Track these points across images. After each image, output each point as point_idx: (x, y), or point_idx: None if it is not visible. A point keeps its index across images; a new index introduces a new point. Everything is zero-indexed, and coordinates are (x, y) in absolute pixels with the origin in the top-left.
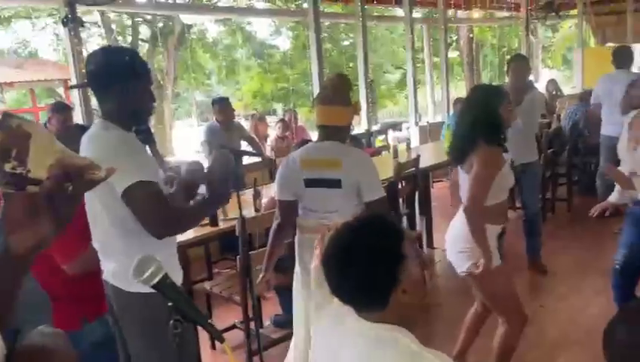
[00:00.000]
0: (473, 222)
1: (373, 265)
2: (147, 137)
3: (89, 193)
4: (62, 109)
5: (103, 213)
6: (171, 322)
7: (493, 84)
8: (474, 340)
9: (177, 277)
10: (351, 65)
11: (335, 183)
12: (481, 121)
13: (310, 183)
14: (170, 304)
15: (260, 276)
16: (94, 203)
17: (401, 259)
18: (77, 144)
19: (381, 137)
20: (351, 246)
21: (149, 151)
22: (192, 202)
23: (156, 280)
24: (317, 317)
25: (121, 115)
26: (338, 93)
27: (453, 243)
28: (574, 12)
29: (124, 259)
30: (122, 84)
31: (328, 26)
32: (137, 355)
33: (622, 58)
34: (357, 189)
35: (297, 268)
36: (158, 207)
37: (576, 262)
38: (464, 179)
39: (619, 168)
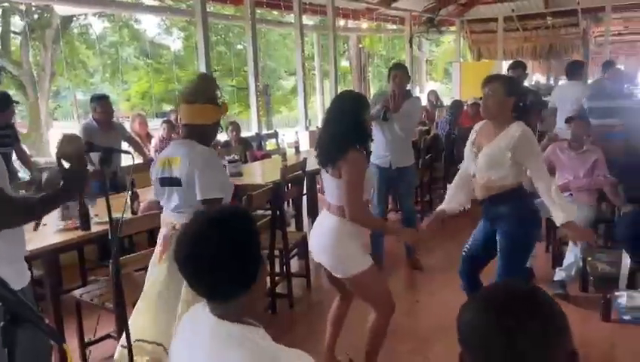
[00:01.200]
0: (368, 223)
1: (237, 256)
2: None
3: None
4: None
5: None
6: (1, 323)
7: (355, 91)
8: (340, 331)
9: (23, 279)
10: (245, 69)
11: (176, 181)
12: (352, 128)
13: (162, 182)
14: None
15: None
16: None
17: (260, 253)
18: None
19: (272, 141)
20: (212, 236)
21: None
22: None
23: None
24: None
25: None
26: (199, 91)
27: (328, 250)
28: (454, 29)
29: None
30: None
31: (222, 28)
32: None
33: (573, 71)
34: (194, 187)
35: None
36: None
37: (449, 258)
38: (329, 182)
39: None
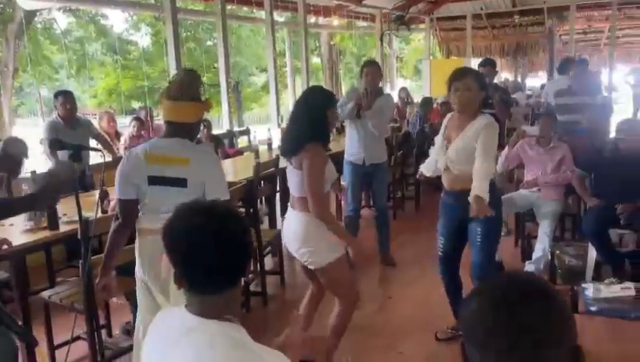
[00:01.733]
0: (327, 222)
1: (233, 248)
2: None
3: None
4: None
5: None
6: None
7: (324, 87)
8: (313, 319)
9: None
10: (215, 65)
11: (181, 182)
12: (316, 122)
13: (154, 180)
14: None
15: (97, 281)
16: None
17: (250, 247)
18: None
19: (244, 138)
20: (210, 227)
21: None
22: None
23: None
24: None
25: None
26: (184, 88)
27: (300, 242)
28: (423, 26)
29: None
30: None
31: (192, 24)
32: None
33: (564, 66)
34: (202, 189)
35: (138, 273)
36: None
37: (421, 253)
38: (291, 174)
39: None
